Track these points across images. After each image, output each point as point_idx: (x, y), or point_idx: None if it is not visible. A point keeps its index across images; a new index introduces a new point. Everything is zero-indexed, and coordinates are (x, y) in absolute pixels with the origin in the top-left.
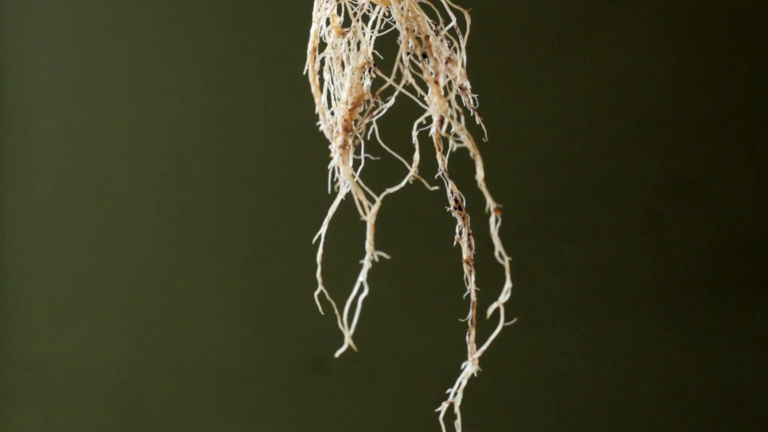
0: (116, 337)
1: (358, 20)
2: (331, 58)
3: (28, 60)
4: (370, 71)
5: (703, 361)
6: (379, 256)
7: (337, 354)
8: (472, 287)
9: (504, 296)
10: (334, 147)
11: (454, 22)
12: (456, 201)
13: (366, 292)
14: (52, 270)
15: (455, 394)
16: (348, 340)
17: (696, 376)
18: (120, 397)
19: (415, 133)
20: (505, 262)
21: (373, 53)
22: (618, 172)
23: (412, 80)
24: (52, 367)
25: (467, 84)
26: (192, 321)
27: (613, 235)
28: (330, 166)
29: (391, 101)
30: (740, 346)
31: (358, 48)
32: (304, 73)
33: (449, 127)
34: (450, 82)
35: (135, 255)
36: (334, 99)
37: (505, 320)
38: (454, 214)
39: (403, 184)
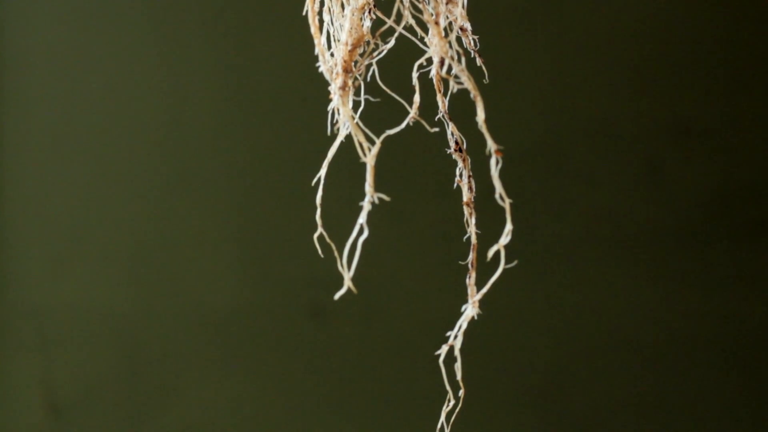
0: (115, 283)
1: None
2: None
3: (25, 17)
4: (370, 12)
5: (703, 306)
6: (379, 198)
7: (337, 296)
8: (472, 230)
9: (504, 239)
10: (334, 88)
11: None
12: (456, 143)
13: (366, 234)
14: (51, 215)
15: (455, 337)
16: (348, 282)
17: (696, 321)
18: (118, 343)
19: (415, 75)
20: (506, 204)
21: None
22: (620, 116)
23: (412, 21)
24: (51, 314)
25: (468, 25)
26: (190, 265)
27: (614, 178)
28: (330, 107)
29: (391, 42)
30: (742, 292)
31: None
32: (304, 14)
33: (450, 68)
34: (450, 23)
35: (134, 200)
36: (334, 40)
37: (506, 263)
38: (455, 156)
39: (403, 125)
